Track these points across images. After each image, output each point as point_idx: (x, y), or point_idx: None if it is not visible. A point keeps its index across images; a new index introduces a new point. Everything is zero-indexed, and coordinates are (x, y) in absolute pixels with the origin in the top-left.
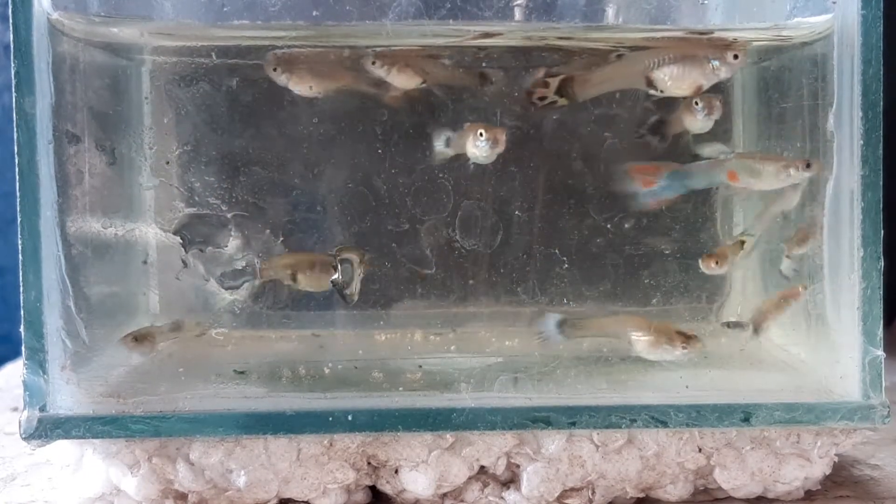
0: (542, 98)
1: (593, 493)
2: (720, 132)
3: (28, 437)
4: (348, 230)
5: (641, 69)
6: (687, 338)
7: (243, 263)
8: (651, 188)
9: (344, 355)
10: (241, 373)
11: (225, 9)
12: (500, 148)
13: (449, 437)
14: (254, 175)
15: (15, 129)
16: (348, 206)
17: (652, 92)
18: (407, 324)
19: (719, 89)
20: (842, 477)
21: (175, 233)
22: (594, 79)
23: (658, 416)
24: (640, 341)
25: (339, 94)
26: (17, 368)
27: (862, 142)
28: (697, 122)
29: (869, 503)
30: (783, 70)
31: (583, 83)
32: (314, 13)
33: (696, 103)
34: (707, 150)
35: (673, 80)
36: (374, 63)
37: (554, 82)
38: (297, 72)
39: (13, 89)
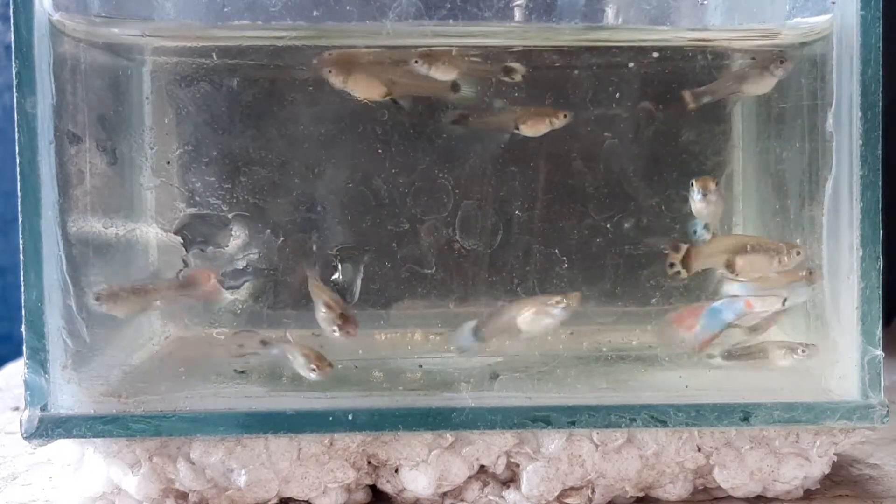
0: (671, 264)
1: (593, 492)
2: (718, 133)
3: (29, 436)
4: (349, 230)
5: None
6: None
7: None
8: (694, 332)
9: (344, 355)
10: (242, 372)
11: (225, 9)
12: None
13: (449, 436)
14: (254, 175)
15: (16, 130)
16: (349, 205)
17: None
18: (407, 324)
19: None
20: (841, 476)
21: (176, 233)
22: (703, 252)
23: (657, 416)
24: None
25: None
26: (18, 368)
27: (861, 142)
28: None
29: (868, 502)
30: None
31: (696, 256)
32: (314, 13)
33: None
34: (732, 287)
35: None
36: None
37: (682, 250)
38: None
39: (14, 89)
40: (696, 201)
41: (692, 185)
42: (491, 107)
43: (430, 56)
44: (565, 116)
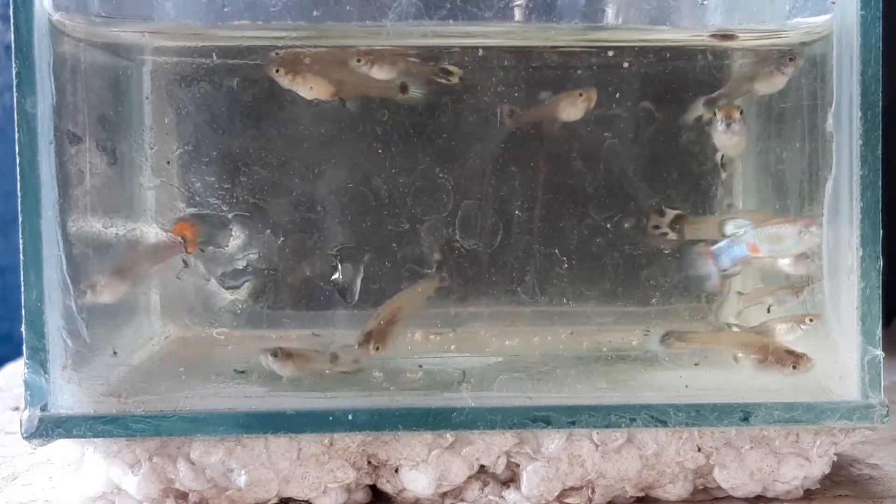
0: (656, 226)
1: (593, 492)
2: None
3: (29, 436)
4: (349, 230)
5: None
6: (797, 357)
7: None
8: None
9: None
10: (242, 372)
11: (225, 9)
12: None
13: (449, 436)
14: (254, 175)
15: (16, 130)
16: (348, 206)
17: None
18: (407, 324)
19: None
20: (841, 476)
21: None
22: (699, 221)
23: (657, 416)
24: (749, 360)
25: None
26: (18, 368)
27: (861, 142)
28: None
29: (868, 502)
30: None
31: (692, 223)
32: (314, 13)
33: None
34: (729, 226)
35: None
36: None
37: (670, 215)
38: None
39: (14, 89)
40: (720, 132)
41: (714, 114)
42: (535, 100)
43: (372, 55)
44: (587, 94)
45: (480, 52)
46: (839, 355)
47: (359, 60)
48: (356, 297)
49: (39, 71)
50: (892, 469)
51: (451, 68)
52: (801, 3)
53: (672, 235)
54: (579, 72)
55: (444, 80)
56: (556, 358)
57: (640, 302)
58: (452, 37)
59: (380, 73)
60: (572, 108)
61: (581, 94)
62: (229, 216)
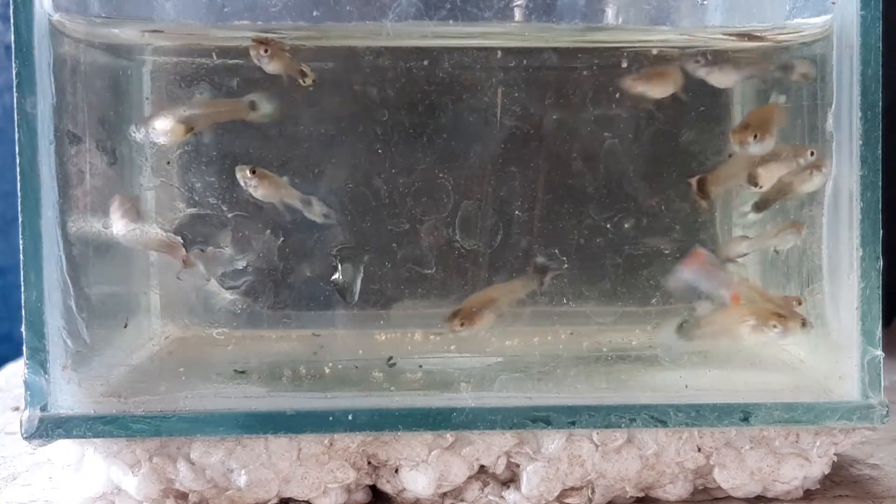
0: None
1: (593, 492)
2: (718, 133)
3: (29, 436)
4: (349, 230)
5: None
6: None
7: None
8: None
9: (344, 355)
10: (242, 372)
11: (225, 9)
12: None
13: (449, 436)
14: None
15: (16, 130)
16: (349, 205)
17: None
18: (407, 324)
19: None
20: (841, 476)
21: (176, 233)
22: (721, 176)
23: (657, 416)
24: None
25: (339, 95)
26: (18, 368)
27: (861, 142)
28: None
29: (868, 502)
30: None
31: (714, 181)
32: (314, 13)
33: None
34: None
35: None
36: None
37: (693, 182)
38: None
39: (14, 90)
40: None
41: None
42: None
43: (272, 48)
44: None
45: (499, 54)
46: (839, 355)
47: (266, 51)
48: (356, 297)
49: (39, 71)
50: (892, 469)
51: (305, 69)
52: (801, 3)
53: (704, 204)
54: (584, 72)
55: (299, 82)
56: (556, 358)
57: (640, 302)
58: (452, 37)
59: (270, 66)
60: (657, 87)
61: (664, 77)
62: (229, 216)
